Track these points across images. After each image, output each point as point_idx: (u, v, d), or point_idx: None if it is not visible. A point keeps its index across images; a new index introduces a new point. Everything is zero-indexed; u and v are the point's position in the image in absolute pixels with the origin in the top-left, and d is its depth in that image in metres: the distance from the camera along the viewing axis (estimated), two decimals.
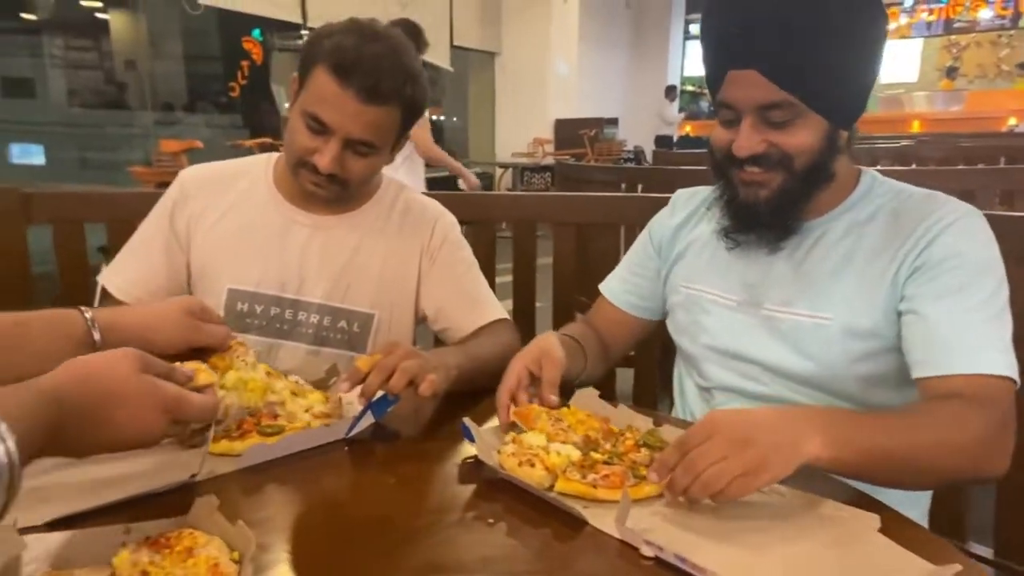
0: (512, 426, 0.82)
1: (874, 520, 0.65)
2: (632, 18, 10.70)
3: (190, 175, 1.14)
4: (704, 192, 1.08)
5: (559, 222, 1.42)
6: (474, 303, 1.14)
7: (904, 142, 4.57)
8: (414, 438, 0.87)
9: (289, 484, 0.75)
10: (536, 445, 0.75)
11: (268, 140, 5.50)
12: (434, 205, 1.20)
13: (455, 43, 6.94)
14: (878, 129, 7.32)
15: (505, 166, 7.72)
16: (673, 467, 0.67)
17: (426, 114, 4.69)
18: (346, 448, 0.82)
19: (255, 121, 8.30)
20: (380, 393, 0.83)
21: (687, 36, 12.32)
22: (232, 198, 1.11)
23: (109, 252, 1.22)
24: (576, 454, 0.74)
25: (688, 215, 1.08)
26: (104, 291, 1.08)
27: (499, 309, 1.15)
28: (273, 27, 7.36)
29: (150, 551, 0.56)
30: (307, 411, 0.84)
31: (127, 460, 0.71)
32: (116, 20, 8.74)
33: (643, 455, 0.76)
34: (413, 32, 2.29)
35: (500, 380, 1.00)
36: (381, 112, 0.99)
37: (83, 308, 0.77)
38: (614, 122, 9.16)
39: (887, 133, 6.52)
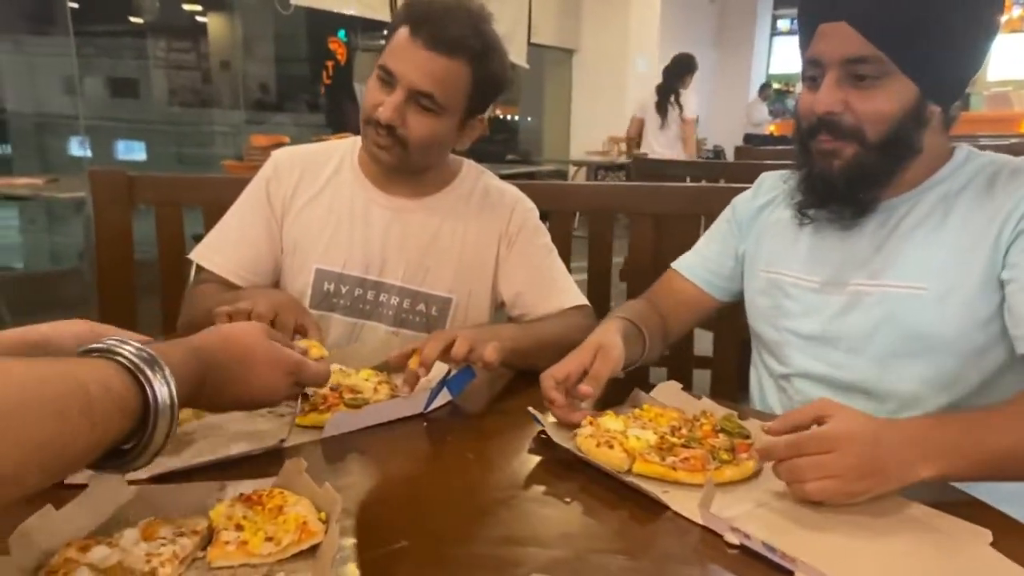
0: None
1: (985, 535, 0.60)
2: (716, 13, 10.40)
3: (283, 155, 1.17)
4: (790, 174, 1.04)
5: (637, 212, 1.40)
6: (551, 289, 1.14)
7: (1012, 140, 4.24)
8: (487, 416, 0.88)
9: (370, 454, 0.77)
10: (614, 428, 0.74)
11: (350, 136, 5.66)
12: (512, 191, 1.21)
13: (533, 40, 6.95)
14: (983, 128, 6.83)
15: (579, 164, 7.67)
16: (779, 460, 0.65)
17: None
18: (424, 424, 0.83)
19: (338, 119, 8.59)
20: (455, 370, 0.84)
21: (774, 32, 11.88)
22: (322, 180, 1.15)
23: (207, 225, 1.27)
24: (653, 438, 0.73)
25: (772, 197, 1.05)
26: (199, 269, 1.13)
27: (577, 295, 1.15)
28: (358, 27, 7.58)
29: (244, 506, 0.58)
30: (376, 388, 0.86)
31: (224, 426, 0.75)
32: (213, 23, 9.23)
33: (722, 440, 0.73)
34: None
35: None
36: (447, 63, 1.00)
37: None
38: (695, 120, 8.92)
39: (993, 132, 6.08)
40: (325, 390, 0.84)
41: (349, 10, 5.03)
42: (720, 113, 10.30)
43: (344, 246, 1.12)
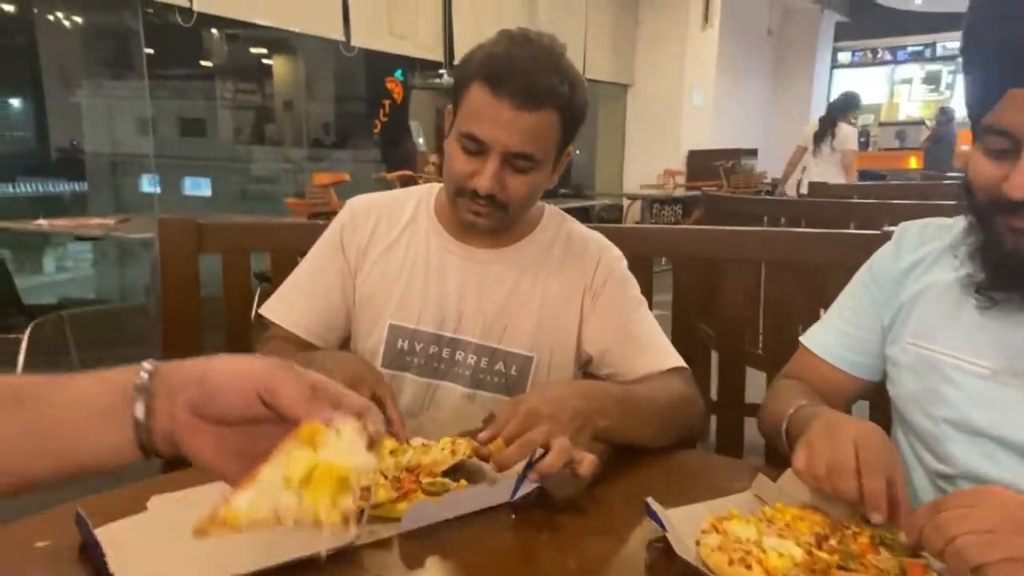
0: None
1: None
2: (774, 46, 10.23)
3: (359, 204, 1.11)
4: (937, 226, 0.89)
5: (742, 259, 1.27)
6: (644, 346, 1.03)
7: None
8: (589, 507, 0.76)
9: (453, 556, 0.66)
10: (746, 538, 0.62)
11: (408, 173, 5.71)
12: (598, 239, 1.12)
13: (588, 76, 6.91)
14: None
15: (634, 198, 7.55)
16: (920, 526, 0.57)
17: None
18: (512, 516, 0.73)
19: (393, 156, 8.76)
20: (536, 456, 0.73)
21: (835, 64, 11.62)
22: (397, 229, 1.08)
23: (271, 280, 1.22)
24: (799, 553, 0.60)
25: (920, 257, 0.89)
26: (269, 322, 1.06)
27: (674, 355, 1.03)
28: (416, 67, 7.75)
29: None
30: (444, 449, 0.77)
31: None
32: (278, 64, 9.61)
33: (886, 559, 0.60)
34: None
35: (662, 437, 0.89)
36: (538, 118, 0.93)
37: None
38: (753, 153, 8.72)
39: None
40: (401, 472, 0.75)
41: (406, 51, 5.11)
42: (777, 146, 10.05)
43: (418, 300, 1.05)
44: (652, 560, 0.65)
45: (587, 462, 0.75)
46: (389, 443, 0.79)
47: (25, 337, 2.60)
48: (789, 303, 1.27)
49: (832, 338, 0.94)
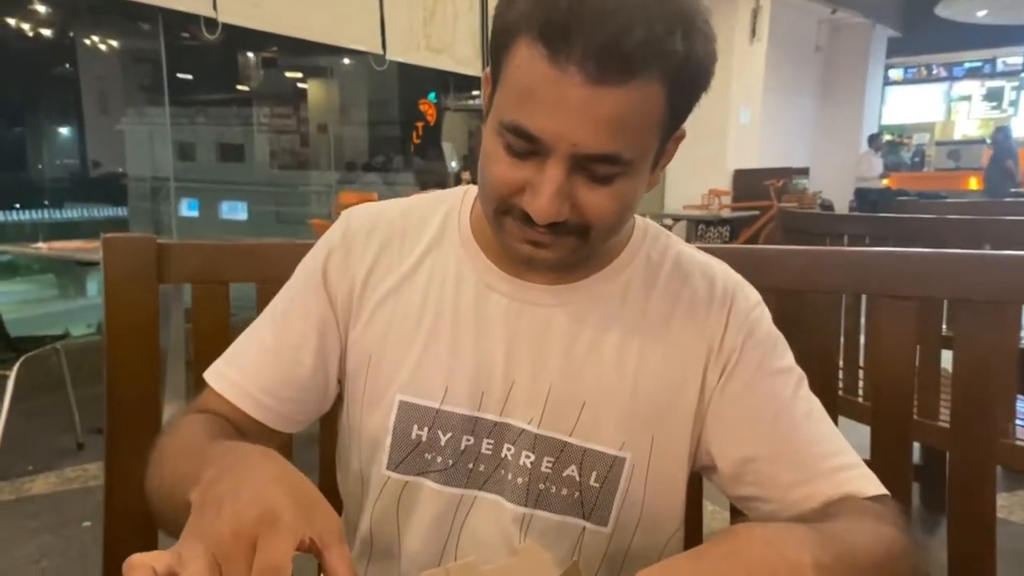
0: None
1: None
2: (823, 62, 9.86)
3: (359, 218, 0.71)
4: None
5: (897, 295, 0.90)
6: (813, 455, 0.62)
7: None
8: None
9: None
10: None
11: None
12: (724, 273, 0.69)
13: None
14: None
15: (678, 218, 7.21)
16: None
17: None
18: None
19: (426, 178, 8.63)
20: None
21: (887, 81, 11.17)
22: (415, 254, 0.69)
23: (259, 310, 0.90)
24: None
25: None
26: (208, 389, 0.68)
27: (866, 473, 0.62)
28: (449, 88, 7.62)
29: None
30: None
31: None
32: (313, 88, 9.62)
33: None
34: None
35: None
36: (628, 94, 0.52)
37: None
38: (804, 172, 8.33)
39: None
40: None
41: (442, 65, 4.92)
42: (826, 165, 9.66)
43: (444, 364, 0.66)
44: None
45: None
46: None
47: (12, 374, 2.34)
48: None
49: None
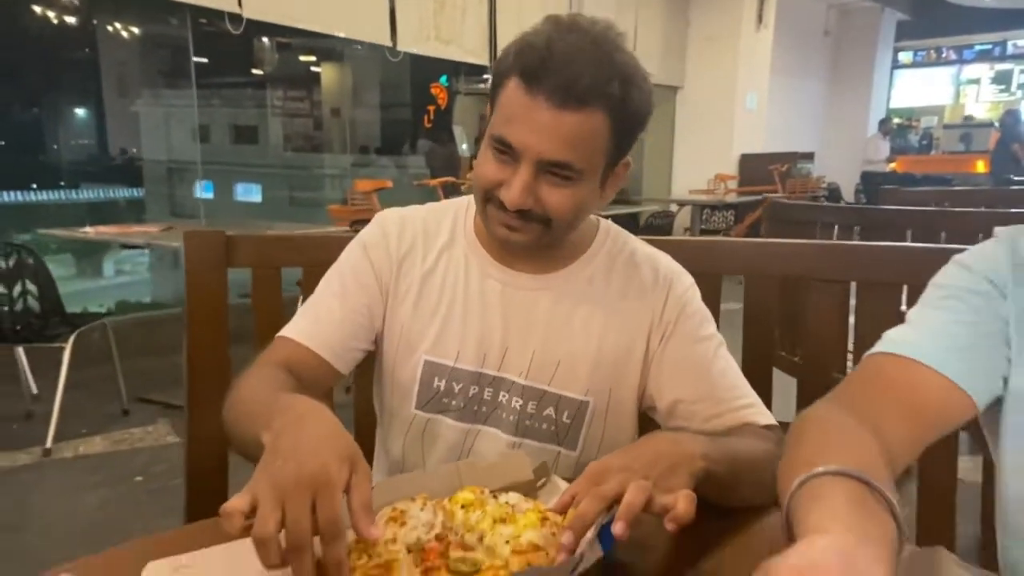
0: None
1: None
2: (831, 46, 9.85)
3: (391, 220, 0.94)
4: None
5: (827, 278, 1.11)
6: (724, 399, 0.86)
7: None
8: None
9: None
10: None
11: (451, 180, 5.65)
12: (666, 263, 0.93)
13: None
14: None
15: (683, 203, 7.33)
16: None
17: None
18: None
19: (437, 161, 8.74)
20: (606, 519, 0.61)
21: (896, 64, 11.15)
22: (435, 253, 0.92)
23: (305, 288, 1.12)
24: None
25: None
26: (283, 344, 0.88)
27: (762, 410, 0.86)
28: (460, 72, 7.73)
29: None
30: (508, 542, 0.63)
31: None
32: (326, 72, 9.73)
33: None
34: None
35: (756, 496, 0.73)
36: (579, 119, 0.76)
37: None
38: (809, 157, 8.40)
39: None
40: (430, 537, 0.63)
41: (452, 56, 5.07)
42: (834, 149, 9.69)
43: (457, 333, 0.89)
44: None
45: (683, 498, 0.60)
46: (461, 496, 0.67)
47: (68, 346, 2.60)
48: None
49: (941, 347, 0.68)
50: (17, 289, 2.49)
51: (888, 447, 0.62)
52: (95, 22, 7.58)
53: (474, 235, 0.92)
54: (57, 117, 9.45)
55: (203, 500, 1.10)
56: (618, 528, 0.59)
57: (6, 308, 2.51)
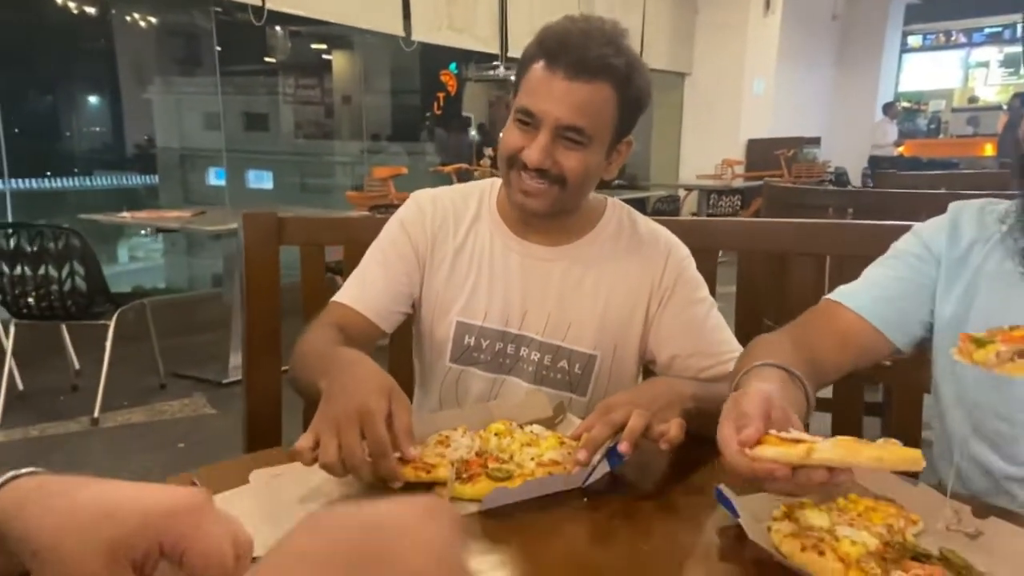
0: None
1: None
2: (839, 31, 9.85)
3: (425, 199, 1.10)
4: (999, 211, 0.86)
5: (803, 252, 1.26)
6: (714, 354, 1.01)
7: None
8: (656, 491, 0.79)
9: (530, 535, 0.70)
10: (819, 526, 0.63)
11: (464, 166, 5.78)
12: (665, 235, 1.08)
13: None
14: None
15: (691, 188, 7.43)
16: None
17: None
18: (585, 499, 0.76)
19: (448, 147, 8.83)
20: (613, 442, 0.76)
21: (904, 48, 11.13)
22: (463, 229, 1.08)
23: (340, 271, 1.27)
24: (872, 541, 0.61)
25: (976, 238, 0.86)
26: (336, 308, 1.04)
27: None
28: (470, 59, 7.81)
29: None
30: (533, 459, 0.79)
31: (374, 493, 0.71)
32: (338, 59, 9.81)
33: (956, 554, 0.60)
34: None
35: None
36: (590, 89, 0.92)
37: None
38: (815, 141, 8.46)
39: None
40: (471, 455, 0.79)
41: (464, 44, 5.17)
42: (842, 133, 9.72)
43: (484, 299, 1.05)
44: (725, 545, 0.67)
45: (675, 425, 0.76)
46: (494, 426, 0.83)
47: (112, 323, 2.78)
48: None
49: (870, 294, 0.89)
50: (66, 270, 2.67)
51: (819, 366, 0.84)
52: (113, 12, 7.69)
53: (497, 213, 1.08)
54: (72, 105, 9.56)
55: (260, 443, 1.27)
56: (623, 447, 0.75)
57: (55, 287, 2.69)
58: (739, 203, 7.18)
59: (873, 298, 0.88)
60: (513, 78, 1.03)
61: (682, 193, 7.54)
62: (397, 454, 0.73)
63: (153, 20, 7.79)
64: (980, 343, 0.62)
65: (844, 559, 0.58)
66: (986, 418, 0.83)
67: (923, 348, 0.91)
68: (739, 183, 7.34)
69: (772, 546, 0.62)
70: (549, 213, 1.00)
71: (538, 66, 0.94)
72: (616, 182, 7.80)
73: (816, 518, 0.64)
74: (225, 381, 3.18)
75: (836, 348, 0.87)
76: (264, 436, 1.24)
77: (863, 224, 1.22)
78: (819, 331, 0.88)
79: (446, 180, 5.81)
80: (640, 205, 7.03)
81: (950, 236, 0.88)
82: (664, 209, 7.05)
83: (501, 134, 1.00)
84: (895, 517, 0.65)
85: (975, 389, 0.84)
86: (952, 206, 0.92)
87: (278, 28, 8.30)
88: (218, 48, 6.37)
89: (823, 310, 0.91)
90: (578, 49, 0.91)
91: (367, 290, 1.05)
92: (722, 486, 0.68)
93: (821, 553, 0.59)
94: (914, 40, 11.43)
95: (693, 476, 0.80)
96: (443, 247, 1.07)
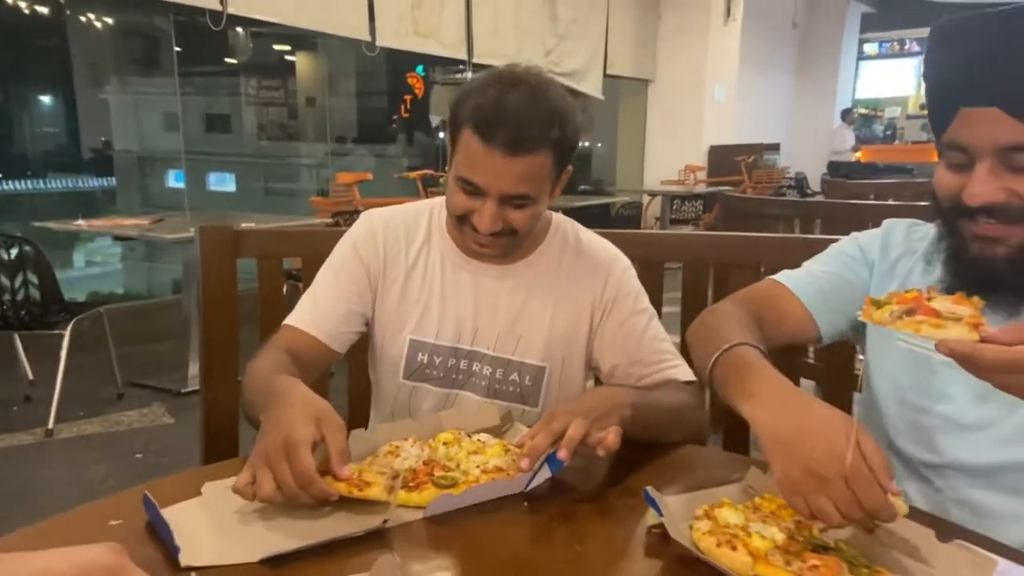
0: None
1: None
2: (799, 39, 10.12)
3: (377, 220, 1.12)
4: (923, 231, 0.95)
5: (740, 264, 1.32)
6: (654, 362, 1.06)
7: None
8: (594, 495, 0.83)
9: (473, 539, 0.73)
10: (734, 524, 0.68)
11: (430, 172, 5.79)
12: (607, 249, 1.12)
13: (608, 72, 6.95)
14: None
15: (654, 194, 7.56)
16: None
17: None
18: (525, 504, 0.79)
19: (414, 150, 8.81)
20: (553, 450, 0.80)
21: (861, 56, 11.47)
22: (414, 251, 1.10)
23: (300, 278, 1.29)
24: (780, 536, 0.66)
25: (903, 253, 0.95)
26: (287, 331, 1.05)
27: (684, 369, 1.06)
28: (437, 62, 7.81)
29: None
30: (479, 467, 0.83)
31: (325, 506, 0.74)
32: (301, 61, 9.72)
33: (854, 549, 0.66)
34: None
35: (673, 434, 0.95)
36: (531, 162, 0.95)
37: None
38: (775, 148, 8.67)
39: None
40: (418, 464, 0.82)
41: (429, 50, 5.17)
42: (802, 140, 9.98)
43: (436, 318, 1.08)
44: (651, 543, 0.71)
45: (612, 432, 0.80)
46: (442, 436, 0.87)
47: (67, 333, 2.74)
48: None
49: (808, 280, 0.97)
50: (19, 280, 2.62)
51: (766, 342, 0.88)
52: (68, 12, 7.51)
53: (447, 233, 1.11)
54: (25, 106, 9.29)
55: (217, 454, 1.28)
56: (562, 454, 0.79)
57: (8, 297, 2.64)
58: (701, 208, 7.32)
59: (810, 285, 0.96)
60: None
61: (646, 199, 7.67)
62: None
63: (109, 21, 7.63)
64: (879, 304, 0.68)
65: (754, 553, 0.64)
66: (909, 411, 0.90)
67: (842, 342, 1.00)
68: (701, 189, 7.49)
69: (691, 543, 0.67)
70: (504, 257, 1.06)
71: (472, 137, 0.95)
72: (581, 188, 7.92)
73: (732, 516, 0.69)
74: (184, 390, 3.14)
75: (774, 325, 0.94)
76: (222, 447, 1.25)
77: (798, 237, 1.29)
78: (764, 307, 0.95)
79: (412, 186, 5.82)
80: (604, 211, 7.16)
81: (882, 247, 0.97)
82: (627, 215, 7.16)
83: (448, 187, 1.02)
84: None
85: (903, 384, 0.91)
86: (886, 222, 1.00)
87: (240, 29, 8.19)
88: (177, 49, 6.29)
89: (767, 288, 0.99)
90: (513, 127, 0.92)
91: (318, 312, 1.07)
92: (649, 488, 0.72)
93: (734, 548, 0.64)
94: (870, 48, 11.81)
95: (628, 479, 0.84)
96: (395, 268, 1.10)
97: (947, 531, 0.68)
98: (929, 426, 0.87)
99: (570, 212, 1.46)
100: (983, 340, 0.61)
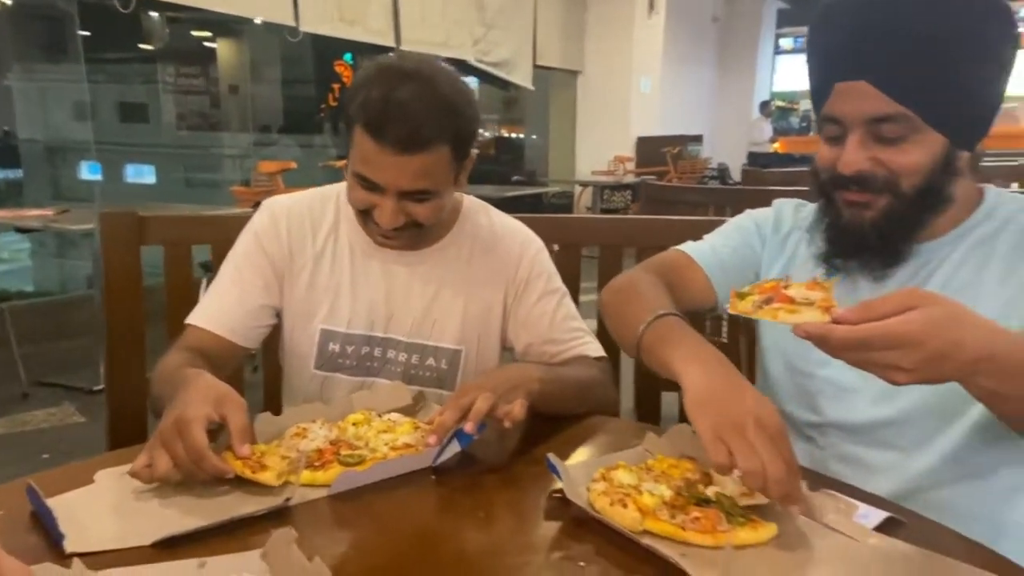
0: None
1: None
2: (719, 33, 10.46)
3: (279, 209, 1.08)
4: (808, 209, 1.02)
5: (650, 246, 1.37)
6: (566, 341, 1.09)
7: (1021, 160, 4.21)
8: (500, 466, 0.85)
9: (378, 513, 0.74)
10: (627, 484, 0.72)
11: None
12: (519, 231, 1.13)
13: (538, 63, 7.00)
14: (988, 144, 6.79)
15: (585, 184, 7.69)
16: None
17: None
18: (433, 477, 0.81)
19: (342, 141, 8.61)
20: (462, 424, 0.82)
21: (777, 51, 11.95)
22: (321, 239, 1.08)
23: (212, 269, 1.25)
24: (667, 493, 0.71)
25: (791, 229, 1.02)
26: (192, 331, 1.02)
27: (594, 346, 1.10)
28: (365, 49, 7.67)
29: None
30: (387, 444, 0.84)
31: (223, 486, 0.73)
32: (222, 48, 9.36)
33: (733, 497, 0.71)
34: None
35: (581, 407, 0.99)
36: (425, 158, 0.92)
37: None
38: (698, 139, 8.95)
39: (999, 148, 6.04)
40: (325, 444, 0.83)
41: (355, 36, 5.07)
42: (723, 131, 10.34)
43: (347, 306, 1.06)
44: (550, 507, 0.75)
45: (517, 405, 0.82)
46: (352, 416, 0.88)
47: None
48: None
49: (710, 252, 1.04)
50: None
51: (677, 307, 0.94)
52: None
53: (355, 219, 1.07)
54: None
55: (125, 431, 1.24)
56: (468, 426, 0.81)
57: None
58: (630, 198, 7.48)
59: (712, 256, 1.03)
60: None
61: (577, 189, 7.78)
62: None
63: (7, 2, 7.12)
64: (742, 296, 0.73)
65: (643, 509, 0.68)
66: (796, 376, 0.97)
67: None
68: (630, 179, 7.65)
69: (588, 504, 0.71)
70: (412, 248, 1.05)
71: (363, 134, 0.91)
72: (515, 178, 7.96)
73: (626, 477, 0.73)
74: (96, 388, 3.00)
75: (679, 291, 0.99)
76: (128, 443, 1.21)
77: (708, 220, 1.36)
78: (671, 276, 1.01)
79: (338, 175, 5.70)
80: (536, 200, 7.23)
81: (775, 223, 1.04)
82: (558, 204, 7.25)
83: (347, 181, 0.99)
84: (692, 472, 0.75)
85: (789, 352, 0.98)
86: (775, 201, 1.08)
87: (154, 14, 7.80)
88: (85, 33, 5.94)
89: (674, 258, 1.05)
90: (403, 124, 0.89)
91: (223, 309, 1.04)
92: (551, 455, 0.75)
93: (624, 506, 0.68)
94: (786, 43, 12.28)
95: (535, 450, 0.87)
96: (301, 256, 1.07)
97: (820, 483, 0.75)
98: (813, 390, 0.94)
99: (503, 202, 1.48)
100: (834, 321, 0.66)
